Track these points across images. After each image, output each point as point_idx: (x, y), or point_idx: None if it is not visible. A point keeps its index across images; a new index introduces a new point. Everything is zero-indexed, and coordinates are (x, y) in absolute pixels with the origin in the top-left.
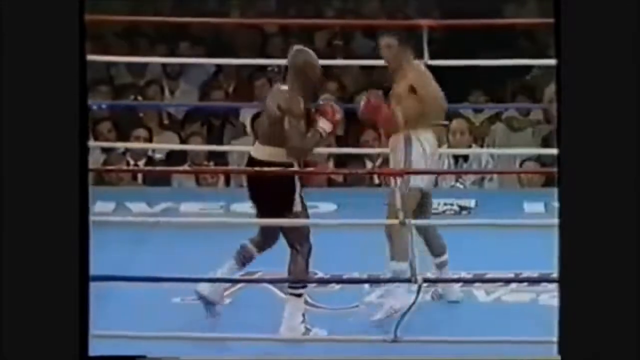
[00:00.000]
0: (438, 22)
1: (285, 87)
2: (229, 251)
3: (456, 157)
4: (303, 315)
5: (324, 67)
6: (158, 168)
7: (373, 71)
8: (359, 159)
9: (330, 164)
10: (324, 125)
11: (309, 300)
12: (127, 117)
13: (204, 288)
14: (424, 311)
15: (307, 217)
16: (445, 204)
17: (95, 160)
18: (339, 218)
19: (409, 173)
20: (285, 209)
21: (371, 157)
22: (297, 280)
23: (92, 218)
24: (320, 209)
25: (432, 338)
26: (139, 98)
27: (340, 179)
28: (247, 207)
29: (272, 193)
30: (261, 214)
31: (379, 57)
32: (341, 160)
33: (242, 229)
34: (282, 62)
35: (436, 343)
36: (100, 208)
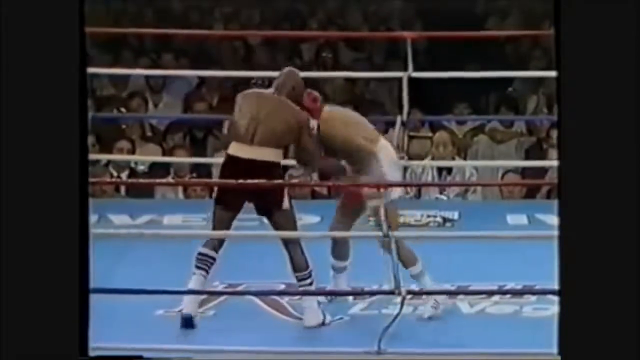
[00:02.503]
0: (421, 34)
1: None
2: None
3: (440, 169)
4: (318, 302)
5: (309, 78)
6: (141, 180)
7: (356, 83)
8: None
9: (315, 175)
10: (312, 123)
11: (293, 312)
12: (110, 129)
13: (189, 308)
14: (406, 323)
15: (294, 215)
16: (428, 216)
17: None
18: (322, 230)
19: (391, 185)
20: (275, 206)
21: None
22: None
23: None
24: (304, 221)
25: (416, 350)
26: (122, 110)
27: (324, 191)
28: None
29: (263, 191)
30: (233, 211)
31: (362, 69)
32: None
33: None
34: (266, 74)
35: (420, 355)
36: None
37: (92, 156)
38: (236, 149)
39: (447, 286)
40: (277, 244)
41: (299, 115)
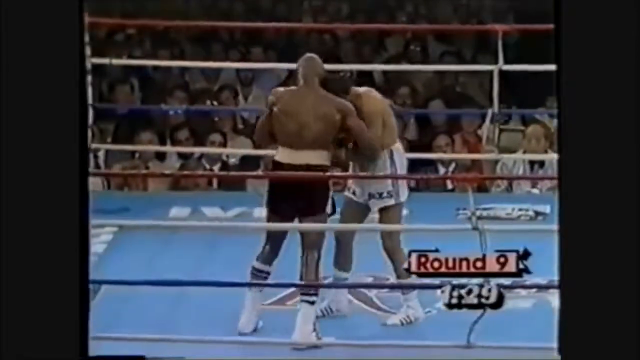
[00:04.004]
0: (512, 27)
1: (324, 92)
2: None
3: (532, 163)
4: (314, 323)
5: (397, 72)
6: (220, 173)
7: (446, 76)
8: (431, 164)
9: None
10: None
11: (381, 305)
12: (203, 122)
13: (243, 325)
14: (496, 317)
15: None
16: (520, 210)
17: (172, 165)
18: (410, 224)
19: (484, 179)
20: (319, 210)
21: (444, 162)
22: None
23: (166, 223)
24: None
25: (506, 344)
26: (214, 103)
27: (412, 184)
28: None
29: (310, 195)
30: (285, 218)
31: (451, 62)
32: (414, 165)
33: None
34: (355, 67)
35: (508, 350)
36: (176, 213)
37: (184, 149)
38: (283, 155)
39: (539, 280)
40: (362, 237)
41: (339, 105)
